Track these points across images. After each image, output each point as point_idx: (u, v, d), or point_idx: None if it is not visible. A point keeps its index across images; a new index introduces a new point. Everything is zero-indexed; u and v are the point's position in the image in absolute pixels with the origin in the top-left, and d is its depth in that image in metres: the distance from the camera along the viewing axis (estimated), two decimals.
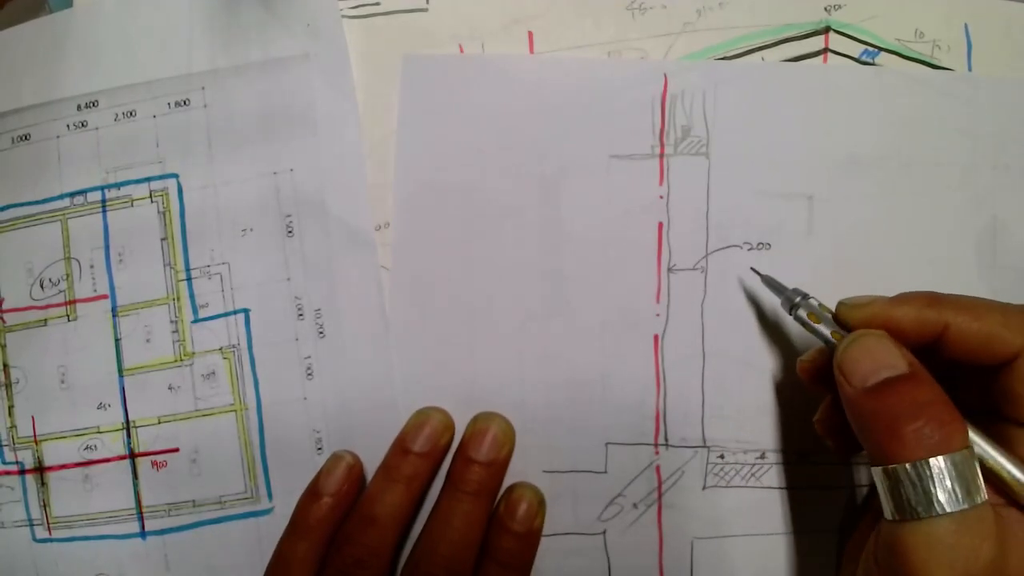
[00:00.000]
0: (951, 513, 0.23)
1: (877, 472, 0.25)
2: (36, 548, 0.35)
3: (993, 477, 0.25)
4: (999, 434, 0.26)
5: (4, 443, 0.36)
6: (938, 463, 0.24)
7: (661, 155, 0.34)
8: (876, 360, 0.26)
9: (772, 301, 0.32)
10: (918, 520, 0.24)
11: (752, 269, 0.33)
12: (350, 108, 0.35)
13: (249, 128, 0.35)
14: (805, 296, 0.30)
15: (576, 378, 0.34)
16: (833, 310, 0.29)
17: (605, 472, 0.34)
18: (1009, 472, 0.25)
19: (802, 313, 0.30)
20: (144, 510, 0.35)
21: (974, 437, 0.25)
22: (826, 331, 0.29)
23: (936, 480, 0.23)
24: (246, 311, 0.35)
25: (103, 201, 0.35)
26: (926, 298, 0.27)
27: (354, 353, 0.34)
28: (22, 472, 0.36)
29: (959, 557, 0.23)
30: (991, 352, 0.26)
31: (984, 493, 0.24)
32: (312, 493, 0.33)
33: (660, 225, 0.34)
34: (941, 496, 0.23)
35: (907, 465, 0.24)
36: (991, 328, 0.26)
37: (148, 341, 0.35)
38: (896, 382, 0.25)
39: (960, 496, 0.23)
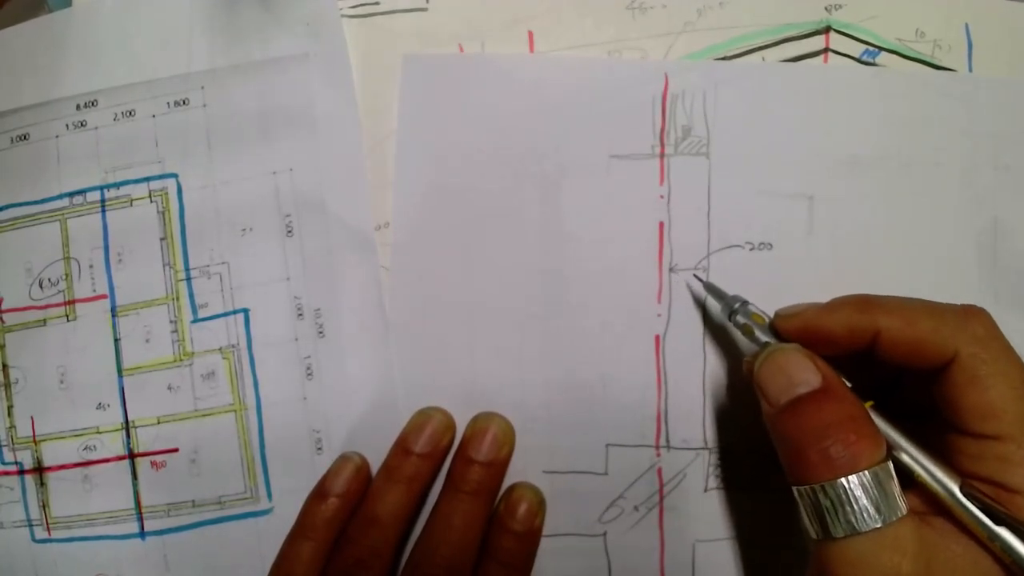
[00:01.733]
0: (868, 531, 0.23)
1: (795, 492, 0.25)
2: (35, 548, 0.35)
3: (923, 486, 0.25)
4: (942, 440, 0.26)
5: (3, 443, 0.36)
6: (850, 481, 0.23)
7: (661, 155, 0.34)
8: (788, 377, 0.26)
9: (771, 302, 0.32)
10: (837, 540, 0.24)
11: (695, 276, 0.33)
12: (350, 108, 0.35)
13: (249, 128, 0.35)
14: (744, 303, 0.30)
15: (576, 378, 0.34)
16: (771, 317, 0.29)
17: (605, 474, 0.34)
18: (934, 483, 0.25)
19: (740, 319, 0.30)
20: (143, 510, 0.35)
21: (903, 445, 0.25)
22: (762, 338, 0.29)
23: (850, 498, 0.23)
24: (246, 311, 0.35)
25: (102, 201, 0.35)
26: (858, 303, 0.27)
27: (354, 353, 0.34)
28: (21, 472, 0.36)
29: (881, 574, 0.23)
30: (924, 357, 0.25)
31: (902, 508, 0.23)
32: (319, 494, 0.33)
33: (661, 225, 0.34)
34: (857, 514, 0.23)
35: (821, 485, 0.24)
36: (923, 333, 0.25)
37: (147, 341, 0.35)
38: (807, 400, 0.25)
39: (876, 513, 0.23)
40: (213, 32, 0.35)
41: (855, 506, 0.23)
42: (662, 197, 0.34)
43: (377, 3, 0.35)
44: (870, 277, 0.34)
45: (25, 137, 0.36)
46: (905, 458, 0.25)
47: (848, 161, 0.34)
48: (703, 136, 0.34)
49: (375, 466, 0.34)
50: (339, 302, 0.34)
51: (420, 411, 0.34)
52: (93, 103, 0.35)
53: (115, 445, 0.35)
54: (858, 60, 0.35)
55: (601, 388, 0.34)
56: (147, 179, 0.35)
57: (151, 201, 0.35)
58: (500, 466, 0.33)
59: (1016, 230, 0.35)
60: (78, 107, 0.36)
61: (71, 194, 0.36)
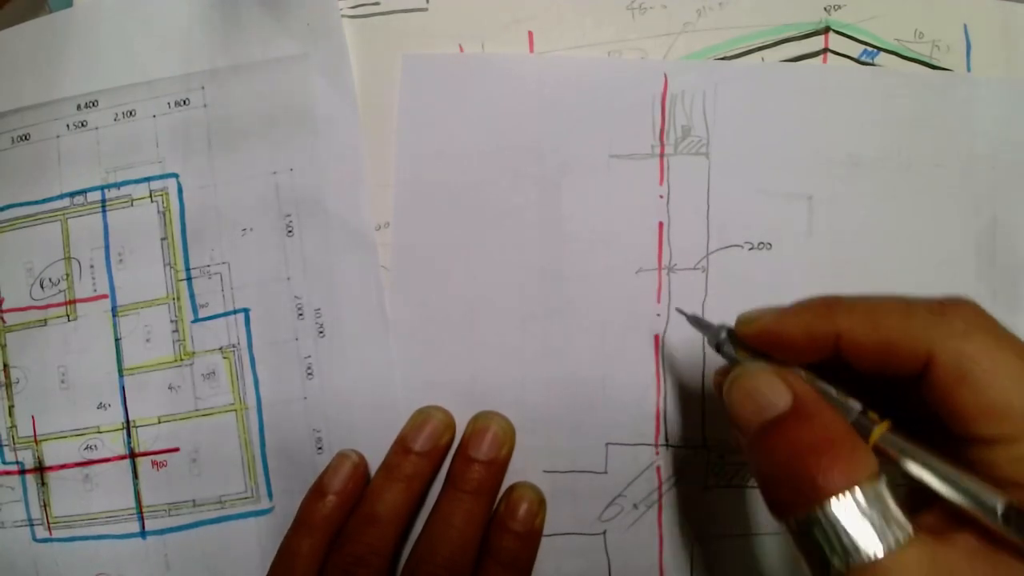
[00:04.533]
0: (869, 563, 0.20)
1: (783, 529, 0.22)
2: (36, 548, 0.35)
3: (940, 502, 0.21)
4: (955, 454, 0.22)
5: (4, 443, 0.36)
6: (840, 506, 0.20)
7: (661, 155, 0.34)
8: (755, 402, 0.23)
9: (770, 302, 0.32)
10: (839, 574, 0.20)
11: (678, 310, 0.32)
12: (350, 108, 0.35)
13: (249, 128, 0.35)
14: (730, 331, 0.27)
15: (576, 378, 0.34)
16: None
17: (605, 472, 0.34)
18: (972, 505, 0.21)
19: (728, 350, 0.27)
20: (144, 510, 0.35)
21: (929, 462, 0.22)
22: (732, 352, 0.27)
23: (841, 528, 0.20)
24: (246, 311, 0.35)
25: (103, 201, 0.35)
26: (819, 305, 0.24)
27: (354, 353, 0.34)
28: (22, 472, 0.36)
29: None
30: (895, 362, 0.22)
31: (907, 528, 0.20)
32: (317, 491, 0.33)
33: (660, 225, 0.34)
34: (852, 547, 0.20)
35: (806, 515, 0.21)
36: (889, 334, 0.22)
37: (148, 341, 0.35)
38: (778, 425, 0.22)
39: (875, 541, 0.20)
40: (213, 32, 0.35)
41: (846, 536, 0.20)
42: (662, 197, 0.34)
43: (377, 3, 0.35)
44: (869, 277, 0.34)
45: (26, 137, 0.36)
46: (928, 478, 0.21)
47: (847, 161, 0.34)
48: (703, 136, 0.34)
49: (375, 465, 0.34)
50: (339, 302, 0.34)
51: (420, 410, 0.34)
52: (94, 103, 0.36)
53: (116, 445, 0.35)
54: (857, 60, 0.35)
55: (601, 387, 0.34)
56: (148, 179, 0.35)
57: (152, 201, 0.35)
58: (500, 465, 0.33)
59: (1015, 229, 0.35)
60: (79, 107, 0.36)
61: (72, 194, 0.36)
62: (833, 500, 0.20)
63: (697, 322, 0.29)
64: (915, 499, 0.22)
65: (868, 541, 0.20)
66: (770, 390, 0.23)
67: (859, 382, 0.24)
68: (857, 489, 0.20)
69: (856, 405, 0.23)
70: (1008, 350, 0.21)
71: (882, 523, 0.20)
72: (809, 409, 0.22)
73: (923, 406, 0.22)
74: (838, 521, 0.20)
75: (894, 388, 0.23)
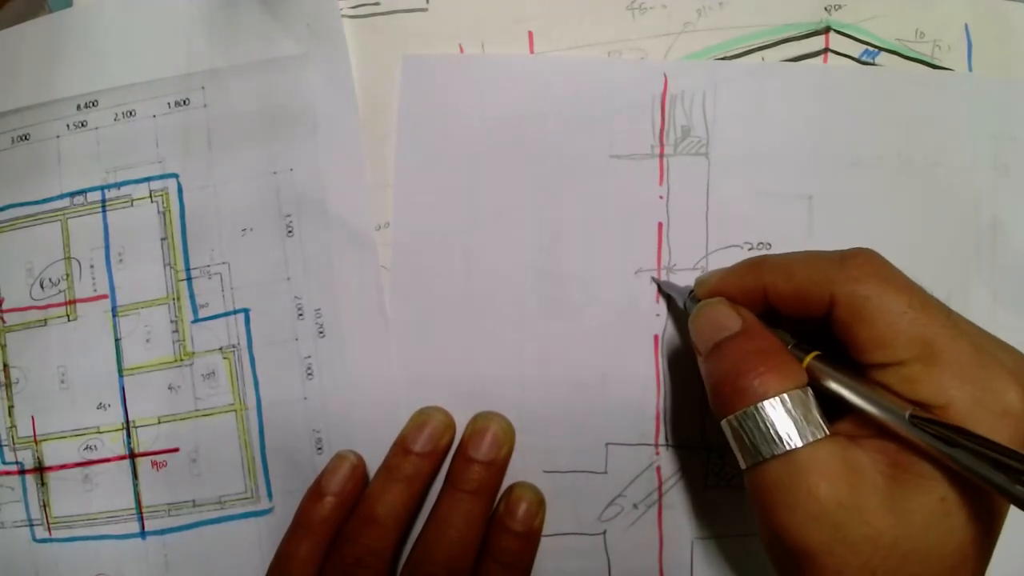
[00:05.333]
0: (785, 453, 0.24)
1: (723, 426, 0.26)
2: (36, 548, 0.35)
3: (856, 414, 0.25)
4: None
5: (4, 443, 0.36)
6: (765, 407, 0.24)
7: (661, 155, 0.34)
8: (713, 326, 0.28)
9: None
10: (760, 464, 0.25)
11: (652, 279, 0.34)
12: (350, 108, 0.35)
13: (249, 128, 0.35)
14: (692, 291, 0.32)
15: (576, 378, 0.34)
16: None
17: (605, 472, 0.34)
18: (883, 414, 0.24)
19: (691, 306, 0.31)
20: (144, 510, 0.35)
21: (848, 382, 0.25)
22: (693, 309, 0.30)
23: (767, 423, 0.24)
24: (246, 311, 0.35)
25: (103, 201, 0.35)
26: (750, 264, 0.29)
27: (354, 353, 0.34)
28: (22, 472, 0.36)
29: (801, 497, 0.23)
30: (807, 306, 0.26)
31: (821, 429, 0.24)
32: (315, 492, 0.33)
33: (660, 225, 0.34)
34: (774, 438, 0.24)
35: (741, 413, 0.25)
36: (800, 282, 0.26)
37: (148, 341, 0.35)
38: (728, 341, 0.27)
39: (796, 435, 0.24)
40: (213, 32, 0.35)
41: (772, 430, 0.24)
42: (661, 197, 0.34)
43: (377, 3, 0.35)
44: None
45: (26, 137, 0.36)
46: (848, 394, 0.25)
47: (847, 161, 0.34)
48: (702, 136, 0.34)
49: (375, 466, 0.34)
50: (339, 302, 0.34)
51: (420, 411, 0.34)
52: (94, 103, 0.36)
53: (116, 445, 0.35)
54: (858, 60, 0.35)
55: (601, 387, 0.34)
56: (148, 179, 0.35)
57: (152, 201, 0.35)
58: (500, 465, 0.33)
59: (1014, 229, 0.35)
60: (79, 107, 0.36)
61: (72, 194, 0.36)
62: (767, 401, 0.24)
63: (668, 286, 0.34)
64: (835, 413, 0.26)
65: (791, 435, 0.24)
66: (725, 316, 0.28)
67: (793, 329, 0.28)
68: (786, 395, 0.25)
69: (790, 339, 0.28)
70: (895, 291, 0.25)
71: (804, 423, 0.24)
72: (755, 330, 0.27)
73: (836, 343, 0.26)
74: (768, 418, 0.24)
75: (818, 331, 0.27)
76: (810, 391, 0.25)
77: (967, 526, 0.23)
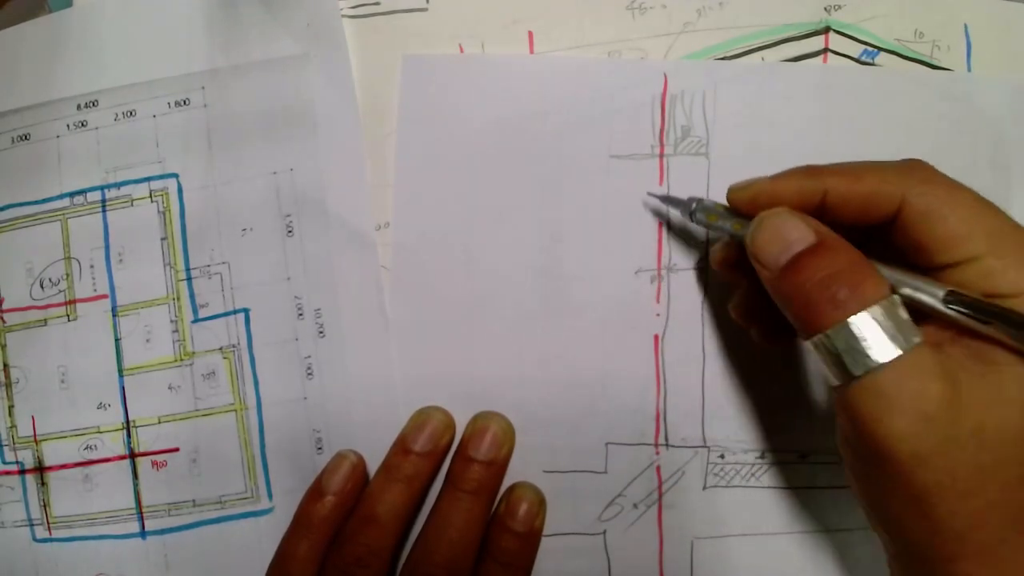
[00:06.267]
0: (888, 363, 0.23)
1: (809, 346, 0.25)
2: (36, 548, 0.35)
3: (936, 321, 0.25)
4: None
5: (4, 443, 0.36)
6: (861, 319, 0.24)
7: (661, 155, 0.34)
8: (783, 238, 0.26)
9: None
10: (860, 379, 0.24)
11: (648, 193, 0.34)
12: (350, 108, 0.35)
13: (249, 128, 0.35)
14: (700, 200, 0.31)
15: (576, 378, 0.34)
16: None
17: (605, 472, 0.34)
18: (925, 296, 0.25)
19: (701, 216, 0.31)
20: (144, 510, 0.35)
21: (896, 276, 0.25)
22: (727, 225, 0.29)
23: (864, 336, 0.24)
24: (246, 311, 0.35)
25: (103, 201, 0.35)
26: (805, 170, 0.28)
27: (354, 353, 0.34)
28: (22, 472, 0.36)
29: (908, 402, 0.23)
30: (875, 210, 0.26)
31: (917, 335, 0.24)
32: (315, 492, 0.33)
33: (660, 224, 0.34)
34: (873, 350, 0.23)
35: (832, 330, 0.24)
36: (869, 186, 0.26)
37: (148, 341, 0.35)
38: (805, 255, 0.25)
39: (891, 345, 0.23)
40: (213, 32, 0.35)
41: (870, 341, 0.23)
42: None
43: (377, 3, 0.35)
44: None
45: (26, 137, 0.36)
46: (904, 289, 0.25)
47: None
48: (702, 136, 0.34)
49: (375, 466, 0.34)
50: (339, 302, 0.34)
51: (420, 410, 0.34)
52: (94, 103, 0.36)
53: (116, 445, 0.35)
54: (857, 60, 0.35)
55: (601, 387, 0.34)
56: (148, 179, 0.35)
57: (152, 201, 0.35)
58: (500, 465, 0.33)
59: None
60: (79, 107, 0.36)
61: (72, 194, 0.36)
62: (862, 313, 0.24)
63: (669, 200, 0.33)
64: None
65: (891, 344, 0.23)
66: (797, 227, 0.26)
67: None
68: (878, 304, 0.24)
69: None
70: (962, 190, 0.26)
71: (897, 330, 0.23)
72: (833, 243, 0.26)
73: (896, 254, 0.26)
74: (864, 330, 0.24)
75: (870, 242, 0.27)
76: (898, 298, 0.24)
77: None
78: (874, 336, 0.23)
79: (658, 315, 0.34)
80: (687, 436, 0.34)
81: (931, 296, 0.25)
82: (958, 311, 0.24)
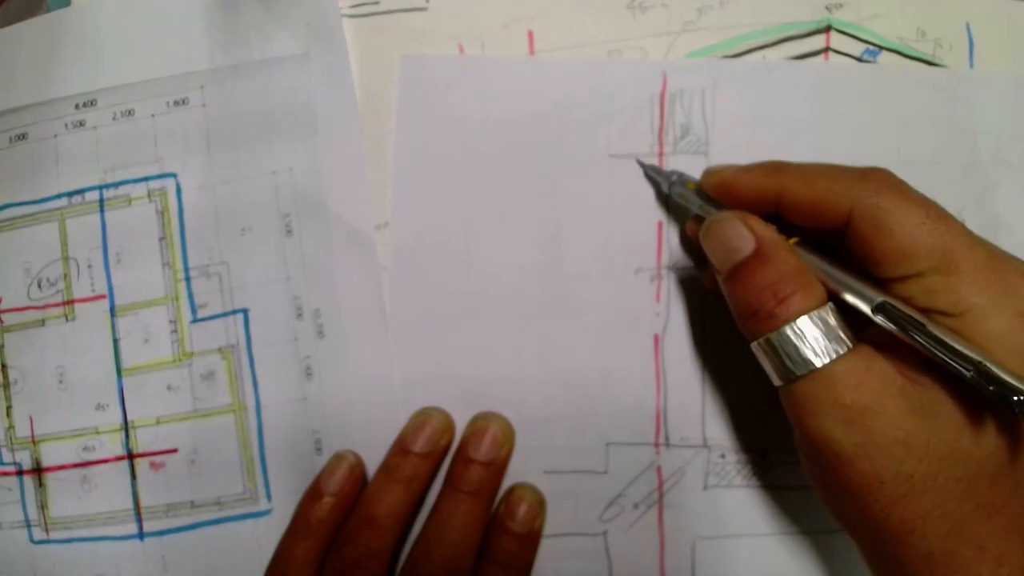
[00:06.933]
0: (819, 368, 0.25)
1: (753, 347, 0.27)
2: (34, 549, 0.35)
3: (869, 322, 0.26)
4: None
5: (2, 444, 0.36)
6: (796, 326, 0.25)
7: (660, 154, 0.34)
8: (727, 244, 0.27)
9: None
10: (795, 381, 0.25)
11: (637, 161, 0.34)
12: (350, 107, 0.35)
13: (248, 127, 0.35)
14: (680, 174, 0.32)
15: (576, 378, 0.34)
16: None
17: (605, 472, 0.34)
18: (858, 300, 0.26)
19: (678, 190, 0.32)
20: (142, 511, 0.35)
21: (848, 285, 0.26)
22: (694, 205, 0.31)
23: (797, 344, 0.25)
24: (245, 311, 0.35)
25: (101, 200, 0.35)
26: (768, 166, 0.29)
27: (354, 353, 0.34)
28: (20, 473, 0.35)
29: (831, 405, 0.24)
30: (825, 216, 0.27)
31: (844, 344, 0.25)
32: (314, 493, 0.33)
33: (660, 224, 0.34)
34: (803, 357, 0.25)
35: (771, 336, 0.26)
36: (820, 192, 0.27)
37: (147, 341, 0.35)
38: (743, 266, 0.27)
39: (821, 353, 0.25)
40: (213, 31, 0.35)
41: (799, 350, 0.25)
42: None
43: (377, 3, 0.35)
44: None
45: (23, 137, 0.36)
46: (845, 295, 0.26)
47: (847, 159, 0.34)
48: (701, 135, 0.34)
49: (374, 466, 0.33)
50: (339, 302, 0.34)
51: (419, 411, 0.34)
52: (92, 102, 0.35)
53: (114, 446, 0.35)
54: (859, 59, 0.35)
55: (601, 387, 0.34)
56: (146, 179, 0.35)
57: (150, 201, 0.35)
58: (500, 466, 0.33)
59: (1016, 227, 0.35)
60: (77, 106, 0.35)
61: (70, 194, 0.35)
62: (792, 323, 0.25)
63: (653, 169, 0.34)
64: (867, 323, 0.26)
65: (817, 353, 0.25)
66: (736, 237, 0.27)
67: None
68: (809, 315, 0.25)
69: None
70: (913, 203, 0.25)
71: (827, 340, 0.25)
72: (769, 252, 0.27)
73: (849, 260, 0.27)
74: (794, 339, 0.25)
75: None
76: (830, 306, 0.26)
77: (1001, 430, 0.24)
78: (807, 342, 0.25)
79: (658, 315, 0.34)
80: (687, 436, 0.34)
81: (865, 303, 0.25)
82: (884, 322, 0.25)
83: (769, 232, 0.27)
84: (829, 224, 0.27)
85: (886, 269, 0.26)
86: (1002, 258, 0.25)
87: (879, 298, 0.25)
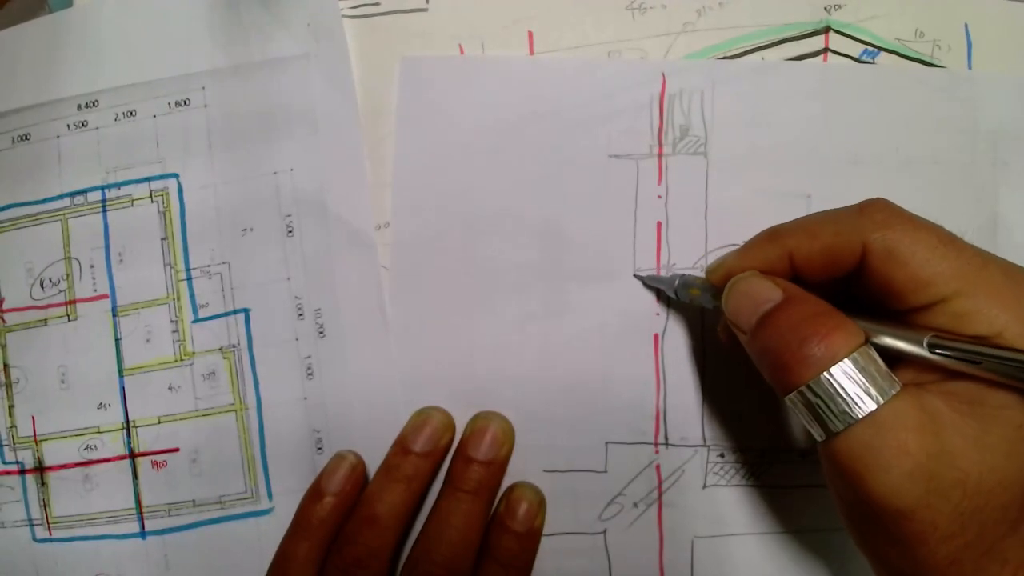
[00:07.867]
0: (866, 416, 0.23)
1: (788, 402, 0.25)
2: (36, 548, 0.35)
3: (916, 361, 0.24)
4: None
5: (4, 443, 0.36)
6: (833, 373, 0.23)
7: (659, 155, 0.34)
8: (752, 300, 0.26)
9: None
10: (840, 434, 0.23)
11: (635, 275, 0.34)
12: (350, 108, 0.35)
13: (249, 128, 0.35)
14: (682, 276, 0.32)
15: (576, 378, 0.34)
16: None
17: (605, 471, 0.34)
18: (907, 346, 0.24)
19: (684, 292, 0.32)
20: (144, 510, 0.35)
21: (871, 325, 0.25)
22: (707, 299, 0.30)
23: (838, 389, 0.23)
24: (246, 311, 0.35)
25: (103, 201, 0.35)
26: (767, 235, 0.28)
27: (354, 353, 0.34)
28: (22, 472, 0.36)
29: (891, 458, 0.22)
30: (839, 262, 0.26)
31: (894, 385, 0.23)
32: (315, 493, 0.33)
33: (659, 225, 0.34)
34: (850, 403, 0.23)
35: (808, 386, 0.24)
36: (827, 241, 0.26)
37: (148, 341, 0.35)
38: (774, 312, 0.25)
39: (868, 397, 0.23)
40: (214, 32, 0.35)
41: (846, 395, 0.23)
42: (660, 197, 0.34)
43: (377, 3, 0.35)
44: None
45: (26, 137, 0.36)
46: (883, 338, 0.25)
47: (847, 160, 0.34)
48: (701, 136, 0.34)
49: (375, 466, 0.34)
50: (339, 302, 0.34)
51: (419, 411, 0.34)
52: (94, 103, 0.36)
53: (116, 445, 0.35)
54: (857, 60, 0.35)
55: (600, 387, 0.34)
56: (148, 179, 0.35)
57: (152, 201, 0.35)
58: (500, 465, 0.33)
59: (1015, 226, 0.35)
60: (79, 107, 0.36)
61: (72, 194, 0.36)
62: (837, 365, 0.23)
63: (654, 279, 0.34)
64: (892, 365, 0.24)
65: (869, 395, 0.23)
66: (763, 288, 0.26)
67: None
68: (855, 354, 0.23)
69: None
70: (923, 229, 0.25)
71: (877, 380, 0.23)
72: (799, 295, 0.26)
73: (874, 301, 0.26)
74: (840, 383, 0.23)
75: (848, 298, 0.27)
76: (871, 346, 0.24)
77: None
78: (851, 389, 0.23)
79: (658, 315, 0.34)
80: (687, 435, 0.34)
81: (913, 343, 0.24)
82: (944, 355, 0.23)
83: (793, 284, 0.26)
84: (845, 268, 0.26)
85: (909, 299, 0.24)
86: (1014, 272, 0.24)
87: (927, 334, 0.24)
